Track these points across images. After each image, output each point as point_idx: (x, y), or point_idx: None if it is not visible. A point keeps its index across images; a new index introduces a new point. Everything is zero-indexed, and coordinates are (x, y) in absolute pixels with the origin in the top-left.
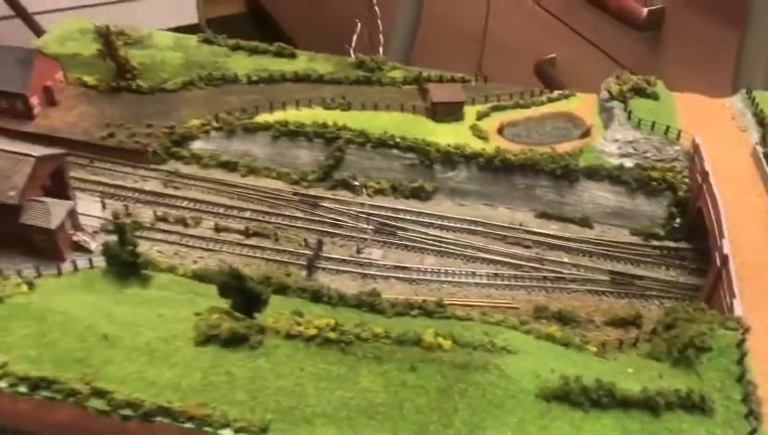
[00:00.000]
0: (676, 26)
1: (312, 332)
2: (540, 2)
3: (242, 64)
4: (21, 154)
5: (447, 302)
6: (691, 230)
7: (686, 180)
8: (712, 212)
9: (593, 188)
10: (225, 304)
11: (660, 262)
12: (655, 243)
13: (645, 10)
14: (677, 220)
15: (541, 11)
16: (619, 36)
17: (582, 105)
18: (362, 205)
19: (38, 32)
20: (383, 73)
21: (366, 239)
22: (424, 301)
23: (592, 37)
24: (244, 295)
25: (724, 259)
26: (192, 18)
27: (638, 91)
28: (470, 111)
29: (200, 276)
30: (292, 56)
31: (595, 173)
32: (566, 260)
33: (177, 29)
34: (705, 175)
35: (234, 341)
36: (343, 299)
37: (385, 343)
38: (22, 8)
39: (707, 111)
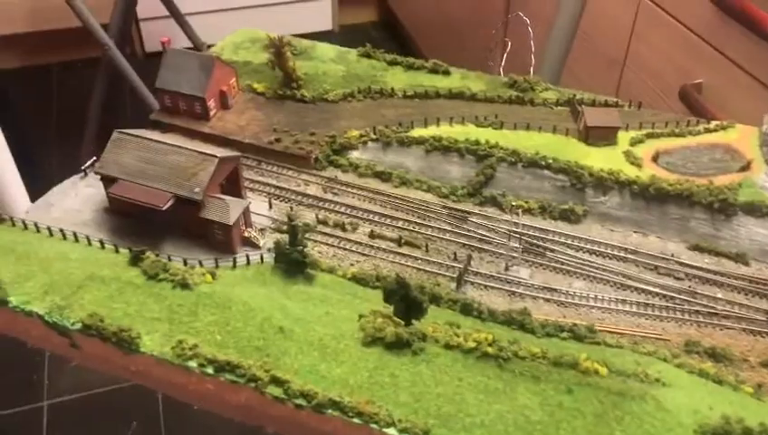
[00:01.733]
0: None
1: (472, 344)
2: (687, 24)
3: (398, 79)
4: (205, 154)
5: (598, 328)
6: None
7: None
8: None
9: (752, 224)
10: (384, 307)
11: None
12: None
13: None
14: None
15: (688, 33)
16: None
17: (741, 137)
18: (512, 223)
19: (189, 33)
20: (535, 94)
21: (514, 257)
22: (574, 324)
23: (744, 62)
24: (406, 302)
25: None
26: (327, 25)
27: None
28: (623, 137)
29: (358, 279)
30: (447, 73)
31: (755, 209)
32: (720, 296)
33: (312, 35)
34: None
35: (397, 345)
36: (493, 315)
37: (542, 363)
38: (176, 9)
39: None
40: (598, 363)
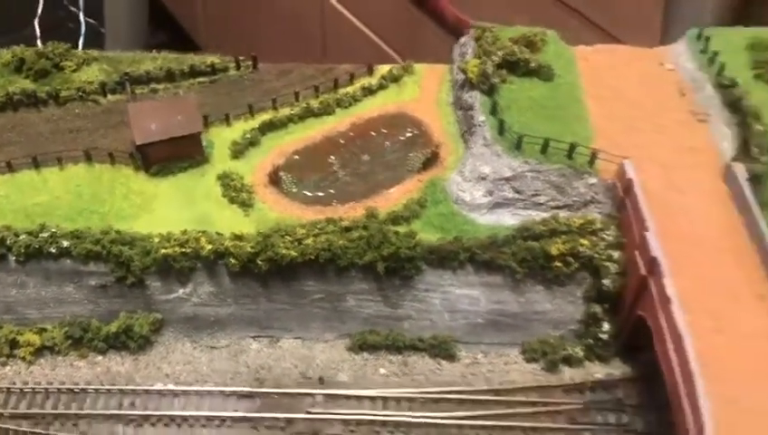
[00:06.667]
0: None
1: None
2: None
3: None
4: None
5: None
6: (629, 342)
7: (614, 254)
8: (672, 352)
9: (448, 283)
10: None
11: (583, 419)
12: (568, 377)
13: None
14: (606, 327)
15: None
16: None
17: (422, 95)
18: None
19: None
20: (66, 76)
21: None
22: None
23: None
24: None
25: None
26: None
27: (514, 66)
28: (224, 139)
29: None
30: None
31: (449, 256)
32: None
33: None
34: (652, 263)
35: None
36: None
37: None
38: None
39: (635, 82)
40: None
